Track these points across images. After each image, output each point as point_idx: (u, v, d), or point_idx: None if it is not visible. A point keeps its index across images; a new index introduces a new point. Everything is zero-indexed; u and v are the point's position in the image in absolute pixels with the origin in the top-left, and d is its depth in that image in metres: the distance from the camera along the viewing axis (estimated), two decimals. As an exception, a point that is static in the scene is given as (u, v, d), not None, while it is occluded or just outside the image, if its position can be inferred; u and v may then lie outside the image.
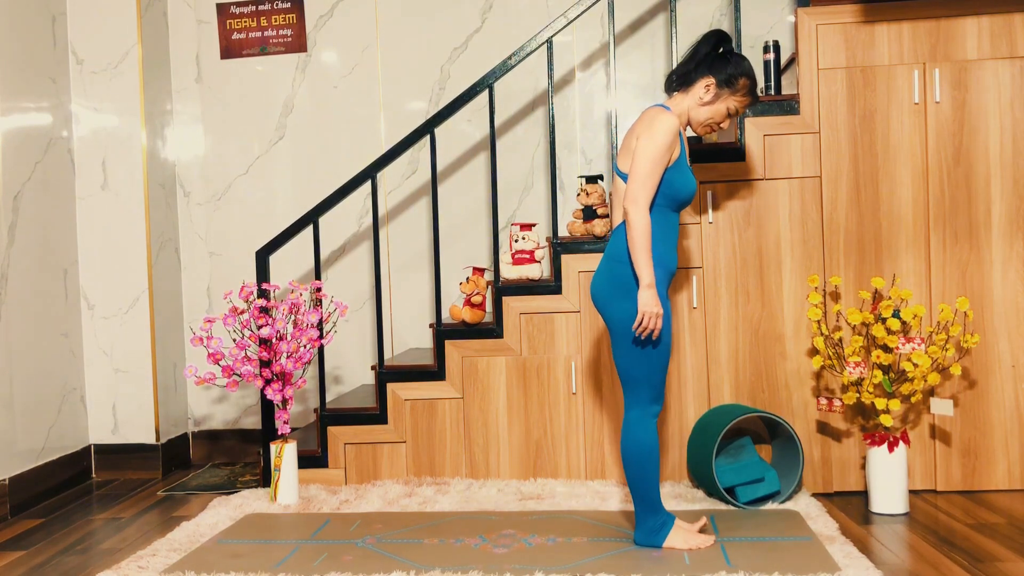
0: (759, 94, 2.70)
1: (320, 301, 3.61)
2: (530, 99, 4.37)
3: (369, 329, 4.42)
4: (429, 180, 4.20)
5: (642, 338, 2.64)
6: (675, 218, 2.76)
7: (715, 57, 2.72)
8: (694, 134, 2.75)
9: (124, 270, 4.15)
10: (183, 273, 4.52)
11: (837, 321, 3.36)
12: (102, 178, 4.17)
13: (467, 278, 3.68)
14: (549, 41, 3.56)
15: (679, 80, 2.77)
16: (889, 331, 3.15)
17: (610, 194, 3.67)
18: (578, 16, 3.55)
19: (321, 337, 3.57)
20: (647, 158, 2.61)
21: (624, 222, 2.69)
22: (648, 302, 2.60)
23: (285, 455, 3.43)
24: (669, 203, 2.71)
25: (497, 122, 4.10)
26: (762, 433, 3.48)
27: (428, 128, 3.63)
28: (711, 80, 2.70)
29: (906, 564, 2.65)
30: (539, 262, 3.65)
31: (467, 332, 3.60)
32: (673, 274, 2.77)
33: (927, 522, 3.03)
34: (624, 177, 2.73)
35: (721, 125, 2.76)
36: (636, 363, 2.68)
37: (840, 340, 3.25)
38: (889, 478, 3.13)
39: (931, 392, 3.35)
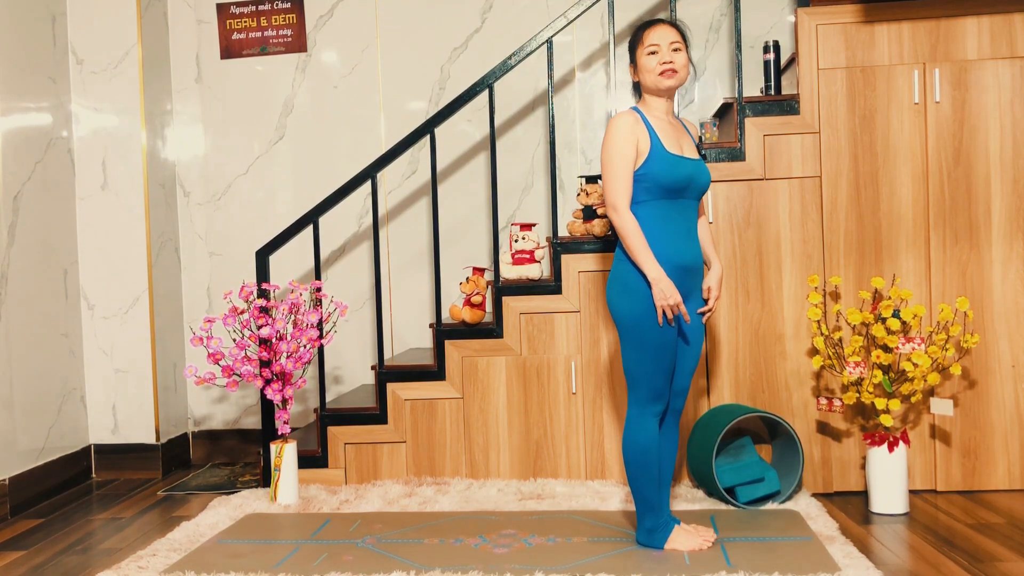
0: (672, 22, 2.82)
1: (320, 301, 3.61)
2: (530, 99, 4.37)
3: (369, 329, 4.42)
4: (429, 180, 4.20)
5: (672, 326, 2.65)
6: (673, 208, 2.70)
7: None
8: (670, 87, 2.74)
9: (124, 270, 4.16)
10: (183, 273, 4.52)
11: (837, 321, 3.36)
12: (102, 178, 4.17)
13: (467, 278, 3.68)
14: (549, 41, 3.56)
15: (633, 88, 2.91)
16: (889, 331, 3.15)
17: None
18: (578, 16, 3.55)
19: (321, 337, 3.57)
20: (606, 163, 2.70)
21: None
22: (659, 295, 2.59)
23: (285, 455, 3.43)
24: (657, 194, 2.68)
25: (497, 122, 4.10)
26: (762, 433, 3.48)
27: (428, 128, 3.64)
28: (629, 66, 2.85)
29: (906, 564, 2.65)
30: (539, 262, 3.65)
31: (467, 332, 3.60)
32: (685, 268, 2.69)
33: (927, 522, 3.03)
34: None
35: (666, 66, 2.70)
36: (638, 362, 2.68)
37: (840, 340, 3.25)
38: (889, 478, 3.13)
39: (931, 392, 3.35)
